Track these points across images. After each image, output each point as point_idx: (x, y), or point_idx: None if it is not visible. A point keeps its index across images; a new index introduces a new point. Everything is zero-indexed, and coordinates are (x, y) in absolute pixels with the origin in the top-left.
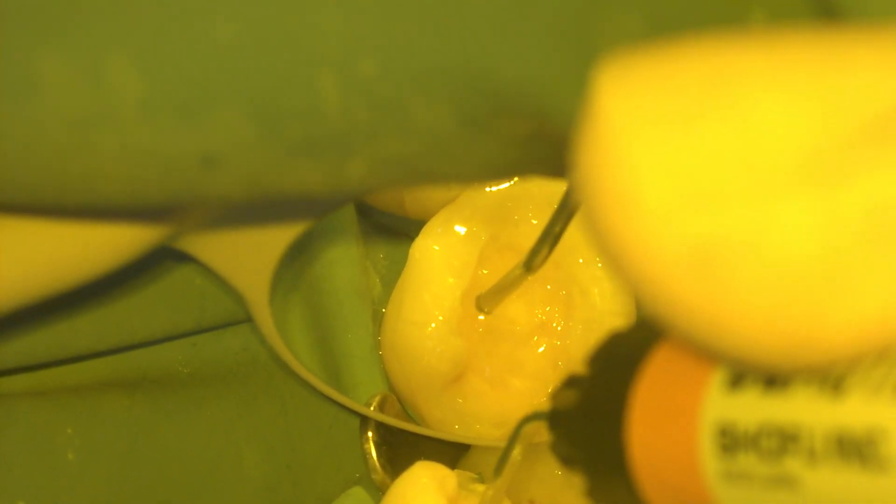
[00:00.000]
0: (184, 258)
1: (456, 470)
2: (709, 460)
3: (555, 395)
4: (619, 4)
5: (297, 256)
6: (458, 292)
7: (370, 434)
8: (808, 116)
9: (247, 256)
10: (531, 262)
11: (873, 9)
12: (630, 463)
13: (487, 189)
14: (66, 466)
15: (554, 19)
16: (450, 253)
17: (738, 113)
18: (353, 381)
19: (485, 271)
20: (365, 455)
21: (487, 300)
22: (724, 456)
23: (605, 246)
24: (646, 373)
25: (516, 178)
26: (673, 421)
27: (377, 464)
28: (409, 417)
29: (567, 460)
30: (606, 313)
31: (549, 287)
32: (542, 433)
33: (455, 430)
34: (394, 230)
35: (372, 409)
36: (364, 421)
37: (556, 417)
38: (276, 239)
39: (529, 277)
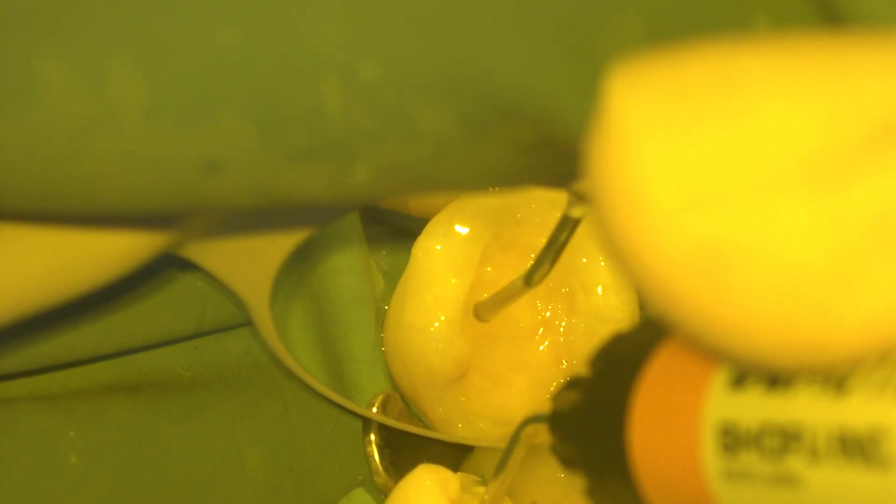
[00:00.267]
0: (185, 264)
1: (458, 472)
2: (710, 459)
3: (556, 397)
4: (621, 12)
5: (299, 261)
6: (461, 292)
7: (373, 437)
8: (814, 120)
9: (247, 262)
10: (532, 277)
11: (877, 14)
12: (631, 462)
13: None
14: (68, 470)
15: (556, 26)
16: (452, 252)
17: (745, 117)
18: (355, 382)
19: (489, 269)
20: (367, 458)
21: (486, 309)
22: (726, 455)
23: (613, 246)
24: (648, 373)
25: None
26: (675, 420)
27: (380, 466)
28: (412, 416)
29: (568, 461)
30: (609, 311)
31: (551, 285)
32: (542, 434)
33: (458, 429)
34: (397, 228)
35: (375, 408)
36: (366, 423)
37: (557, 419)
38: (278, 245)
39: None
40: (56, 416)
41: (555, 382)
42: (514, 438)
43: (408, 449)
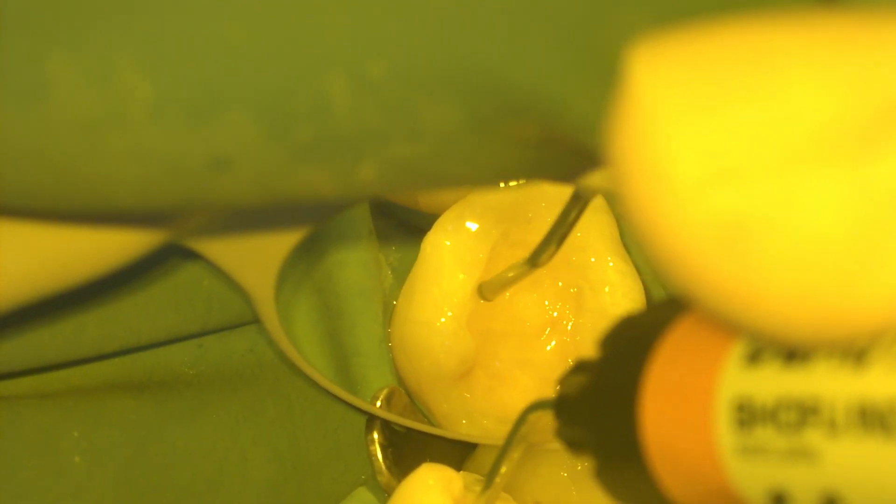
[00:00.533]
0: (189, 255)
1: (462, 471)
2: (724, 436)
3: (562, 381)
4: (628, 7)
5: (305, 255)
6: (469, 288)
7: (376, 436)
8: (837, 94)
9: (252, 254)
10: (537, 258)
11: None
12: (642, 442)
13: (500, 185)
14: (72, 469)
15: (563, 22)
16: (461, 249)
17: (768, 90)
18: (361, 376)
19: (497, 266)
20: (371, 457)
21: (491, 288)
22: (741, 431)
23: (635, 221)
24: (660, 352)
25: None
26: (688, 397)
27: (383, 465)
28: (417, 410)
29: (574, 444)
30: (617, 310)
31: (560, 284)
32: (542, 433)
33: (462, 426)
34: (407, 223)
35: (379, 403)
36: (370, 422)
37: (563, 403)
38: (283, 238)
39: (542, 274)
40: (59, 416)
41: None
42: (518, 423)
43: (411, 448)
